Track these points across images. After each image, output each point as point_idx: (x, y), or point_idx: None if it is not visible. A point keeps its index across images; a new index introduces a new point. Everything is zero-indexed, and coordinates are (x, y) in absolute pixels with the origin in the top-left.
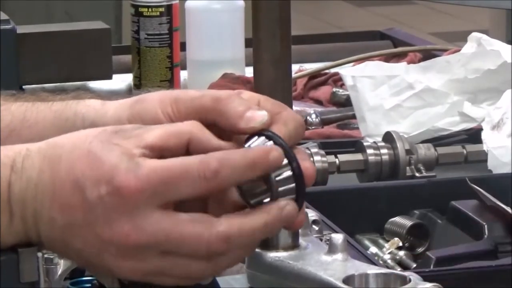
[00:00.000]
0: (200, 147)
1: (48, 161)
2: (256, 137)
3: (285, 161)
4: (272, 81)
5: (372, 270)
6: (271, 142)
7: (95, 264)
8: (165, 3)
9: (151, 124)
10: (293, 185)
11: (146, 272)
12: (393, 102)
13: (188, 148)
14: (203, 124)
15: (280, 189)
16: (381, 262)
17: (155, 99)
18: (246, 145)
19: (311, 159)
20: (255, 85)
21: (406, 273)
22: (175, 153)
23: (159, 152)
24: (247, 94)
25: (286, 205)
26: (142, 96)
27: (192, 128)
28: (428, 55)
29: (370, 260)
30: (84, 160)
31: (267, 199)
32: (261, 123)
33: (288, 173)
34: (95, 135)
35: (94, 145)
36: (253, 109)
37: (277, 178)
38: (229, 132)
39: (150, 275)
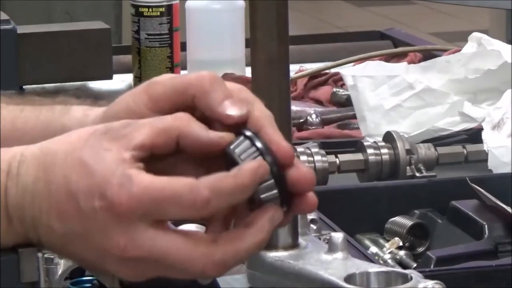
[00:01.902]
0: (189, 142)
1: (43, 168)
2: (242, 137)
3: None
4: (269, 81)
5: (373, 268)
6: (253, 149)
7: (97, 267)
8: (165, 3)
9: (126, 117)
10: (276, 190)
11: (147, 276)
12: (393, 102)
13: (178, 143)
14: (184, 109)
15: (263, 195)
16: (381, 261)
17: (126, 94)
18: (231, 147)
19: (313, 165)
20: (252, 85)
21: (407, 272)
22: (165, 150)
23: (149, 151)
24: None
25: (274, 213)
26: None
27: (181, 122)
28: (428, 55)
29: (370, 259)
30: (77, 169)
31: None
32: (239, 113)
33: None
34: (86, 139)
35: (85, 152)
36: (233, 99)
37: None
38: (208, 115)
39: (153, 276)
